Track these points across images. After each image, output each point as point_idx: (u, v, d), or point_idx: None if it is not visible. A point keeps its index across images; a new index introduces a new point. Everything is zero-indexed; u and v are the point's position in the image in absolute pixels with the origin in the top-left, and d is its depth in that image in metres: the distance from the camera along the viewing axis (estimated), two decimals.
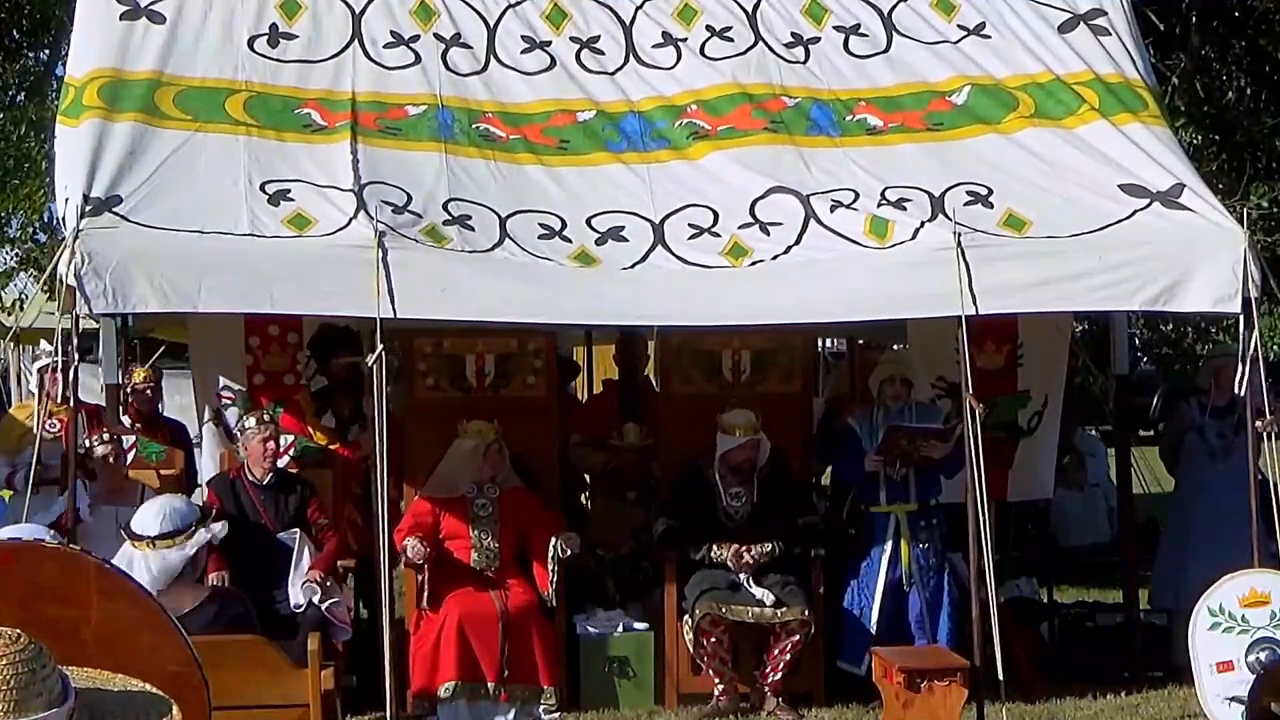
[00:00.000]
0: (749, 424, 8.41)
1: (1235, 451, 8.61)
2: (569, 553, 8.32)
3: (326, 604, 8.01)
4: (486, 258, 7.66)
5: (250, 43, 8.65)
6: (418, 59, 8.75)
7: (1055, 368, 9.69)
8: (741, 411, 8.47)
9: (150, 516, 6.57)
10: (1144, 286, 7.75)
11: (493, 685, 8.15)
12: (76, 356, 7.62)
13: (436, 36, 8.87)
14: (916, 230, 7.85)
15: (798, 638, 8.25)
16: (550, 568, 8.29)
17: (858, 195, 8.12)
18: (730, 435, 8.42)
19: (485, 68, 8.79)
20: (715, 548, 8.35)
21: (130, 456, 8.84)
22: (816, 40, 9.02)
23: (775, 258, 7.83)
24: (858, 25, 9.07)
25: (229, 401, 9.34)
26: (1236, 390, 7.78)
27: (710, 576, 8.34)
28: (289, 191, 7.82)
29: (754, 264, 7.80)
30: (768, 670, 8.33)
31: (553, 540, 8.27)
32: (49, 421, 8.25)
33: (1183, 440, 9.55)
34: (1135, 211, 8.00)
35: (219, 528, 6.92)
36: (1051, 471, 9.84)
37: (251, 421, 8.50)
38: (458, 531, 8.41)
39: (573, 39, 8.94)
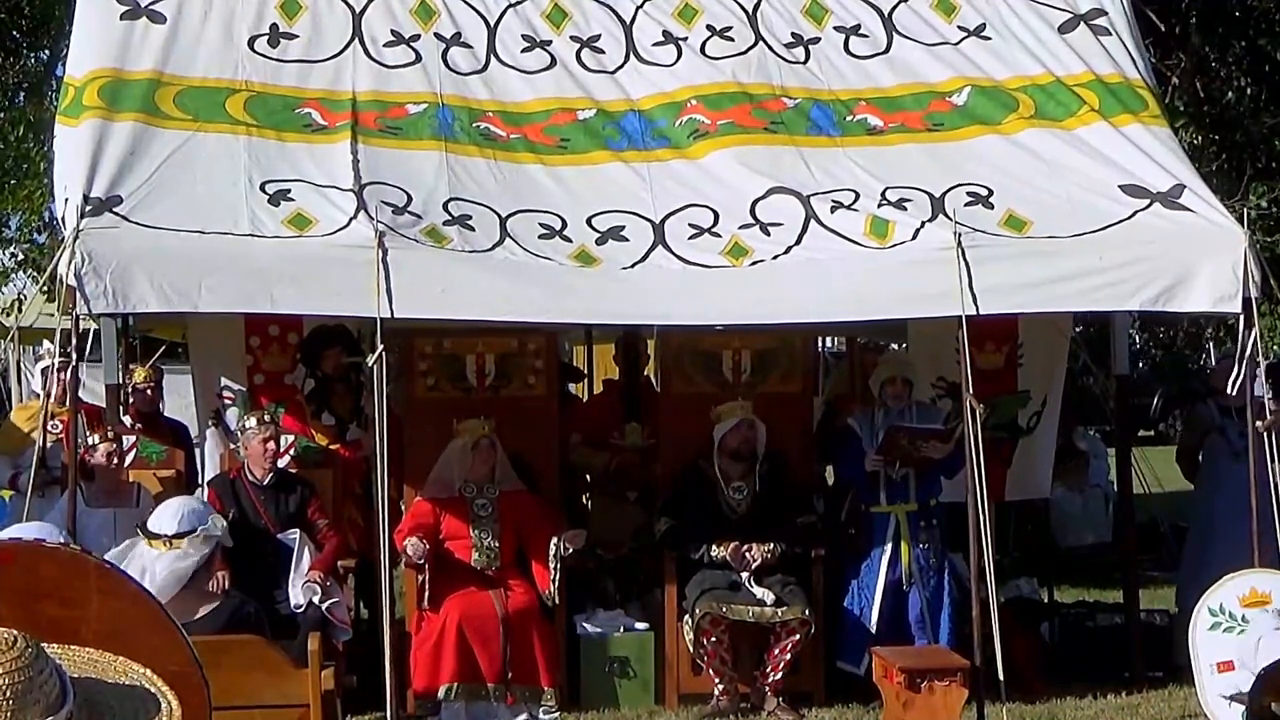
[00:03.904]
0: (741, 407, 8.46)
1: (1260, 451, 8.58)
2: (570, 550, 8.32)
3: (327, 604, 8.01)
4: (486, 257, 7.66)
5: (250, 42, 8.64)
6: (418, 58, 8.75)
7: (1055, 368, 9.69)
8: (732, 401, 8.52)
9: (168, 516, 6.60)
10: (1144, 286, 7.76)
11: (493, 686, 8.15)
12: (75, 356, 7.62)
13: (437, 35, 8.87)
14: (917, 230, 7.86)
15: (798, 637, 8.25)
16: (552, 566, 8.29)
17: (858, 196, 8.12)
18: (724, 421, 8.45)
19: (485, 67, 8.79)
20: (715, 546, 8.35)
21: (130, 457, 8.84)
22: (817, 40, 9.02)
23: (775, 258, 7.84)
24: (858, 26, 9.07)
25: (229, 401, 9.33)
26: (1234, 390, 7.79)
27: (710, 576, 8.34)
28: (289, 191, 7.83)
29: (754, 264, 7.81)
30: (768, 670, 8.33)
31: (554, 539, 8.27)
32: (51, 422, 8.25)
33: (1203, 443, 9.53)
34: (1136, 212, 8.01)
35: (222, 522, 6.95)
36: (1049, 471, 9.84)
37: (252, 421, 8.50)
38: (458, 531, 8.41)
39: (573, 38, 8.94)
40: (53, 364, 8.80)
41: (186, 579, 6.39)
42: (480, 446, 8.40)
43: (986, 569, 7.35)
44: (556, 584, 8.30)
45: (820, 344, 11.94)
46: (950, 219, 7.80)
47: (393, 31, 8.83)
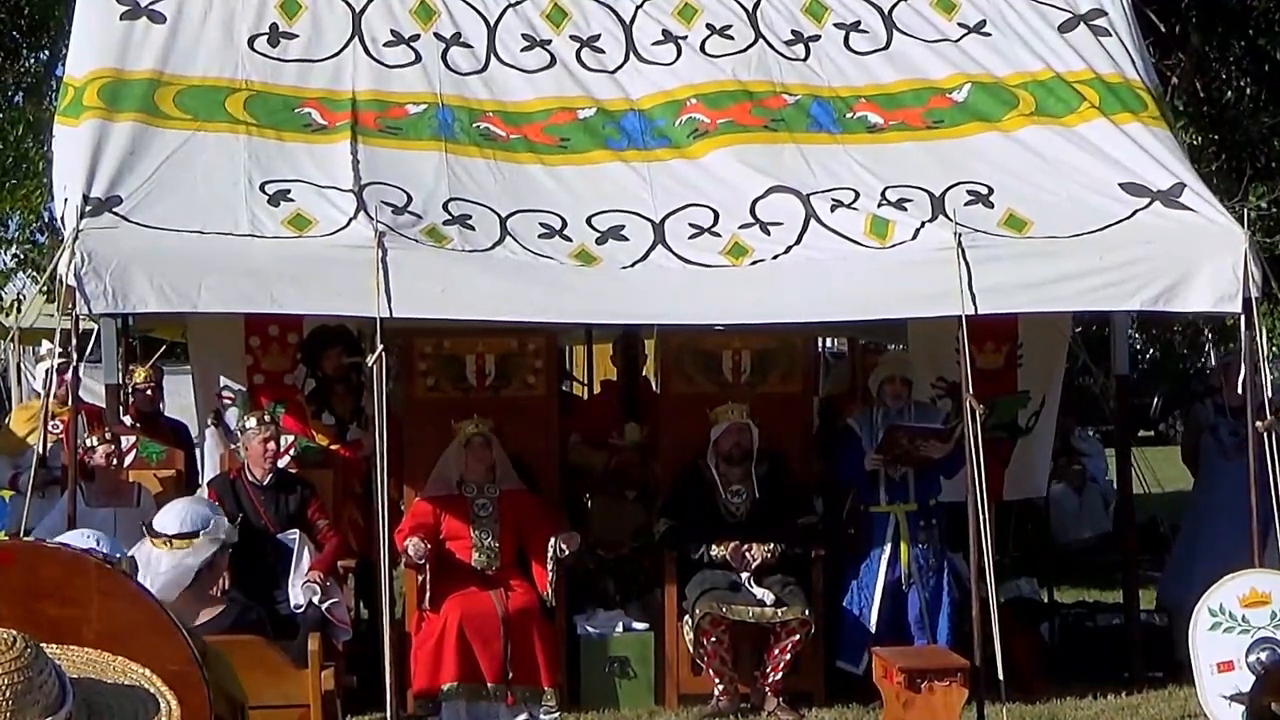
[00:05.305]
0: (734, 409, 8.47)
1: (1247, 451, 8.60)
2: (567, 552, 8.32)
3: (327, 604, 8.01)
4: (487, 257, 7.66)
5: (250, 42, 8.64)
6: (418, 58, 8.74)
7: (1054, 368, 9.69)
8: (728, 404, 8.52)
9: (172, 517, 6.59)
10: (1144, 286, 7.76)
11: (494, 686, 8.15)
12: (75, 356, 7.62)
13: (437, 35, 8.87)
14: (917, 230, 7.86)
15: (798, 638, 8.25)
16: (549, 568, 8.29)
17: (858, 195, 8.12)
18: (718, 424, 8.46)
19: (485, 66, 8.79)
20: (715, 546, 8.35)
21: (130, 457, 8.83)
22: (817, 38, 9.01)
23: (776, 257, 7.84)
24: (858, 22, 9.06)
25: (229, 401, 9.33)
26: (1239, 390, 7.80)
27: (710, 576, 8.34)
28: (289, 192, 7.82)
29: (754, 264, 7.81)
30: (768, 670, 8.32)
31: (552, 540, 8.27)
32: (51, 422, 8.25)
33: (1198, 443, 9.55)
34: (1136, 211, 8.00)
35: (228, 524, 6.93)
36: (1046, 471, 9.86)
37: (252, 422, 8.50)
38: (458, 532, 8.40)
39: (573, 37, 8.94)
40: (53, 364, 8.79)
41: (189, 581, 6.37)
42: (473, 444, 8.39)
43: (986, 569, 7.35)
44: (554, 585, 8.30)
45: (820, 344, 11.94)
46: (950, 219, 7.80)
47: (393, 31, 8.83)
